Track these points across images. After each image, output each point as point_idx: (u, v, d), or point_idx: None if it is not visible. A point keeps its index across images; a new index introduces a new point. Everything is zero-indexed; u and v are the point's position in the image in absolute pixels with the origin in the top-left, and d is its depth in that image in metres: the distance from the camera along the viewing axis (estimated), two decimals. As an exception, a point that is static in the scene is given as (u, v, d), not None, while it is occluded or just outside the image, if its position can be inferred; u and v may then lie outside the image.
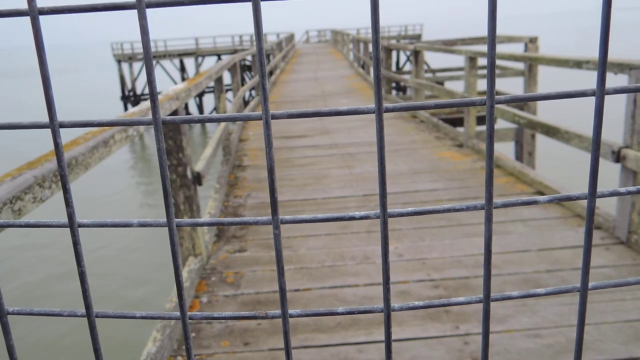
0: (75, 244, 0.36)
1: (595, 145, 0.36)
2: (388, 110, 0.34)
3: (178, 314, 0.38)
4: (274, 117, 0.34)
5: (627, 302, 2.27)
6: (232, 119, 0.35)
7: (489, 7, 0.33)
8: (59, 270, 7.35)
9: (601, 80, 0.35)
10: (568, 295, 2.36)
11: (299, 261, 2.90)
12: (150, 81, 0.34)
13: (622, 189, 0.38)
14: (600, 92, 0.35)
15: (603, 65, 0.35)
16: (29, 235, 8.69)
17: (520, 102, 0.38)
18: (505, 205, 0.37)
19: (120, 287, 6.96)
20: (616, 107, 2.72)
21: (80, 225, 0.36)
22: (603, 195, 0.38)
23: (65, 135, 0.93)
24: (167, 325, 2.20)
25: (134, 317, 0.37)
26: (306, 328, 2.25)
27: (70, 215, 0.36)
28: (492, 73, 0.35)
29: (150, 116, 2.47)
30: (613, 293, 2.34)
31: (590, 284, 0.40)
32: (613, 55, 2.95)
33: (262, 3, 0.33)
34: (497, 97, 0.36)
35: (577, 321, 0.39)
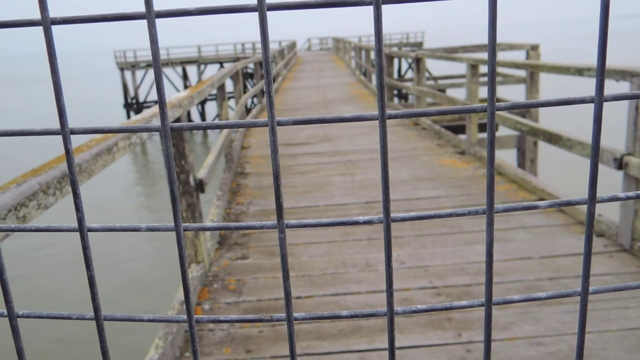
0: (85, 247, 0.37)
1: (595, 152, 0.37)
2: (391, 116, 0.35)
3: (185, 317, 0.38)
4: (280, 123, 0.35)
5: (630, 310, 2.26)
6: (238, 126, 0.36)
7: (489, 17, 0.34)
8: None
9: (600, 87, 0.35)
10: (571, 302, 2.36)
11: (301, 268, 2.90)
12: (159, 89, 0.35)
13: (622, 194, 0.39)
14: (599, 99, 0.36)
15: (601, 72, 0.36)
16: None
17: (520, 109, 0.38)
18: (507, 210, 0.38)
19: (120, 293, 6.97)
20: (618, 113, 2.72)
21: (89, 230, 0.37)
22: (603, 201, 0.38)
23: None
24: (169, 332, 2.20)
25: (141, 320, 0.38)
26: (308, 335, 2.25)
27: (80, 220, 0.37)
28: (492, 81, 0.35)
29: (155, 123, 2.48)
30: (616, 301, 2.33)
31: (591, 288, 0.41)
32: (615, 63, 2.96)
33: (267, 12, 0.34)
34: (497, 104, 0.36)
35: (577, 325, 0.40)
